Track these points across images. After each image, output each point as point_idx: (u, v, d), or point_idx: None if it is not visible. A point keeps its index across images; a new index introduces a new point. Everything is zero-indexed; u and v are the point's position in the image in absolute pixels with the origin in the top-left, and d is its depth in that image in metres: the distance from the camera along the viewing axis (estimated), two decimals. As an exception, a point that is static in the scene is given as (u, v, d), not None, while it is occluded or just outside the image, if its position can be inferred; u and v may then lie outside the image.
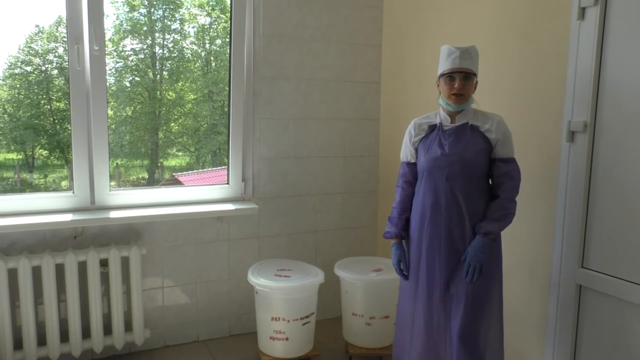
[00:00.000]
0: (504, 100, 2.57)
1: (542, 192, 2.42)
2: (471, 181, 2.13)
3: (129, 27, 3.26)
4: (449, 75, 2.13)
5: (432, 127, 2.24)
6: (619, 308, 2.10)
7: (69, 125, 2.91)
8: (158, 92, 3.51)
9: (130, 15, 3.27)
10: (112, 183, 3.05)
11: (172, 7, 3.38)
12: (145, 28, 3.33)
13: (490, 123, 2.13)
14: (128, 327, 2.92)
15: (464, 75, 2.11)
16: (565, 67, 2.26)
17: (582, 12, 2.17)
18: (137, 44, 3.32)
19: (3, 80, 3.01)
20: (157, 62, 3.46)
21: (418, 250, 2.25)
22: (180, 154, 3.74)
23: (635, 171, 2.01)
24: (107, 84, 2.91)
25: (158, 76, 3.51)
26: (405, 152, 2.36)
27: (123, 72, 3.32)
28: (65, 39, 2.81)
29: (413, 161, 2.32)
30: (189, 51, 3.54)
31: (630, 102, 2.02)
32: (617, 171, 2.09)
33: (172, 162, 3.75)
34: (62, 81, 3.14)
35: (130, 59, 3.33)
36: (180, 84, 3.54)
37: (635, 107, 2.01)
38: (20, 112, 3.06)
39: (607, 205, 2.13)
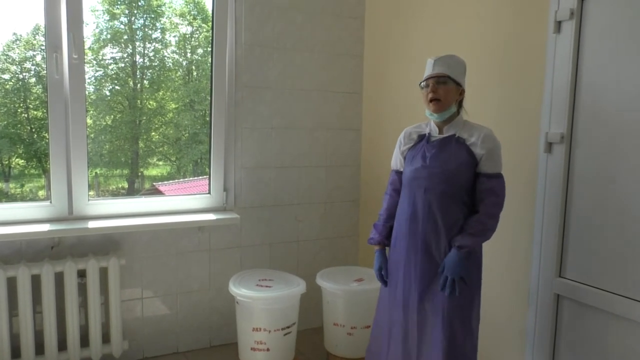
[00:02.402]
0: (483, 112, 2.60)
1: (521, 202, 2.45)
2: (450, 194, 2.10)
3: (109, 36, 3.24)
4: (426, 83, 2.15)
5: (421, 137, 2.23)
6: (596, 317, 2.13)
7: (46, 134, 2.86)
8: (139, 101, 3.48)
9: (110, 23, 3.24)
10: (91, 193, 3.01)
11: (153, 16, 3.36)
12: (125, 37, 3.30)
13: (476, 136, 2.09)
14: (106, 338, 2.88)
15: (436, 80, 2.11)
16: (542, 79, 2.30)
17: (558, 25, 2.21)
18: (117, 52, 3.29)
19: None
20: (138, 71, 3.43)
21: (397, 259, 2.26)
22: (161, 163, 3.71)
23: (611, 181, 2.05)
24: (87, 92, 2.88)
25: (139, 85, 3.48)
26: (395, 160, 2.35)
27: (103, 80, 3.29)
28: (43, 47, 2.78)
29: (402, 169, 2.31)
30: (170, 60, 3.52)
31: (606, 114, 2.07)
32: (593, 181, 2.13)
33: (152, 171, 3.71)
34: (40, 89, 3.09)
35: (110, 67, 3.30)
36: (161, 93, 3.51)
37: (610, 118, 2.05)
38: (-4, 120, 3.01)
39: (584, 215, 2.17)
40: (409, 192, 2.20)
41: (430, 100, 2.12)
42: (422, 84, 2.16)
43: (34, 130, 3.21)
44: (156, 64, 3.47)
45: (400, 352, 2.23)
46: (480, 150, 2.07)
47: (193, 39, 3.52)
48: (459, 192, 2.10)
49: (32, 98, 3.14)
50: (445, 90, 2.11)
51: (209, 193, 3.23)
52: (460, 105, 2.20)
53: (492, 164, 2.08)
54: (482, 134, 2.09)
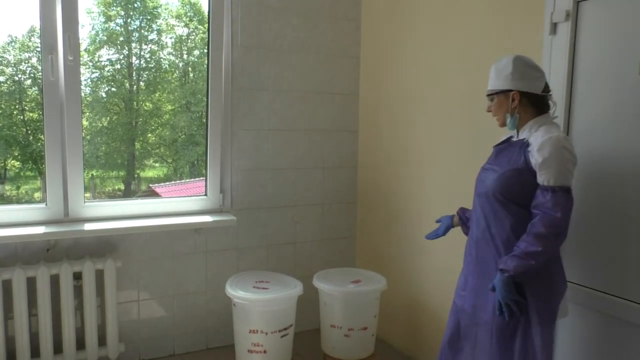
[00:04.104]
0: (479, 116, 2.60)
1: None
2: (500, 202, 1.90)
3: (105, 38, 3.24)
4: None
5: (505, 141, 2.10)
6: (597, 321, 2.13)
7: (42, 136, 2.86)
8: (135, 102, 3.48)
9: (106, 25, 3.24)
10: (87, 195, 3.00)
11: (149, 17, 3.36)
12: (121, 38, 3.30)
13: (536, 142, 1.82)
14: (102, 341, 2.87)
15: (490, 98, 2.03)
16: (538, 80, 2.30)
17: (554, 27, 2.21)
18: (113, 54, 3.29)
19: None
20: (134, 73, 3.43)
21: (463, 265, 2.17)
22: (157, 165, 3.71)
23: (608, 183, 2.05)
24: (83, 94, 2.87)
25: (135, 87, 3.48)
26: None
27: (99, 82, 3.28)
28: (38, 49, 2.77)
29: None
30: (167, 62, 3.52)
31: (602, 116, 2.07)
32: (591, 183, 2.12)
33: (149, 173, 3.71)
34: (36, 91, 3.09)
35: (106, 69, 3.30)
36: (157, 95, 3.51)
37: (607, 120, 2.05)
38: (-8, 122, 3.01)
39: (583, 217, 2.16)
40: (474, 196, 2.11)
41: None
42: None
43: (29, 132, 3.20)
44: (152, 65, 3.47)
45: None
46: (536, 158, 1.80)
47: (189, 41, 3.52)
48: (511, 201, 1.89)
49: (28, 100, 3.13)
50: (494, 107, 2.00)
51: (206, 195, 3.23)
52: (533, 106, 1.93)
53: (546, 174, 1.78)
54: (542, 140, 1.80)
